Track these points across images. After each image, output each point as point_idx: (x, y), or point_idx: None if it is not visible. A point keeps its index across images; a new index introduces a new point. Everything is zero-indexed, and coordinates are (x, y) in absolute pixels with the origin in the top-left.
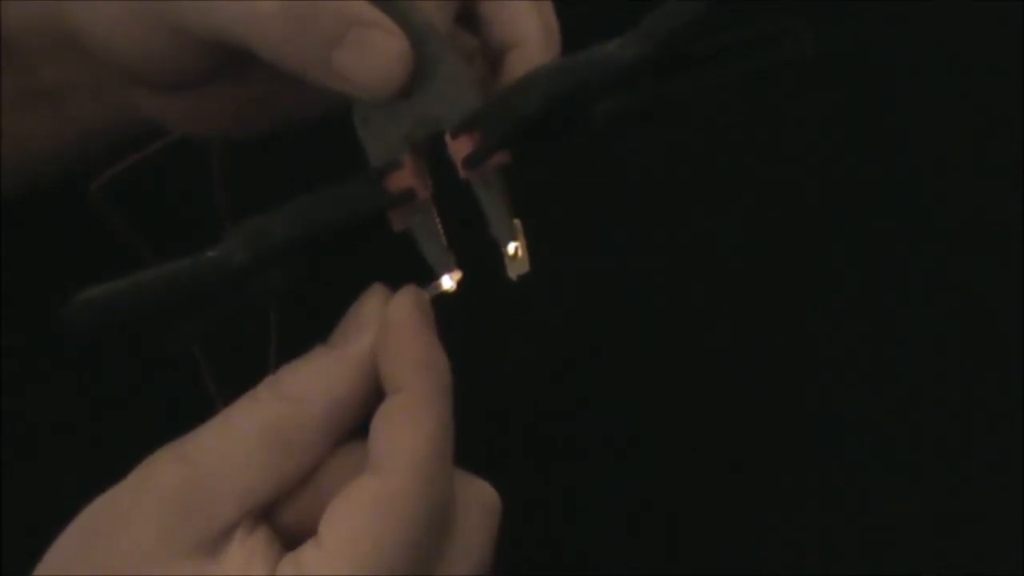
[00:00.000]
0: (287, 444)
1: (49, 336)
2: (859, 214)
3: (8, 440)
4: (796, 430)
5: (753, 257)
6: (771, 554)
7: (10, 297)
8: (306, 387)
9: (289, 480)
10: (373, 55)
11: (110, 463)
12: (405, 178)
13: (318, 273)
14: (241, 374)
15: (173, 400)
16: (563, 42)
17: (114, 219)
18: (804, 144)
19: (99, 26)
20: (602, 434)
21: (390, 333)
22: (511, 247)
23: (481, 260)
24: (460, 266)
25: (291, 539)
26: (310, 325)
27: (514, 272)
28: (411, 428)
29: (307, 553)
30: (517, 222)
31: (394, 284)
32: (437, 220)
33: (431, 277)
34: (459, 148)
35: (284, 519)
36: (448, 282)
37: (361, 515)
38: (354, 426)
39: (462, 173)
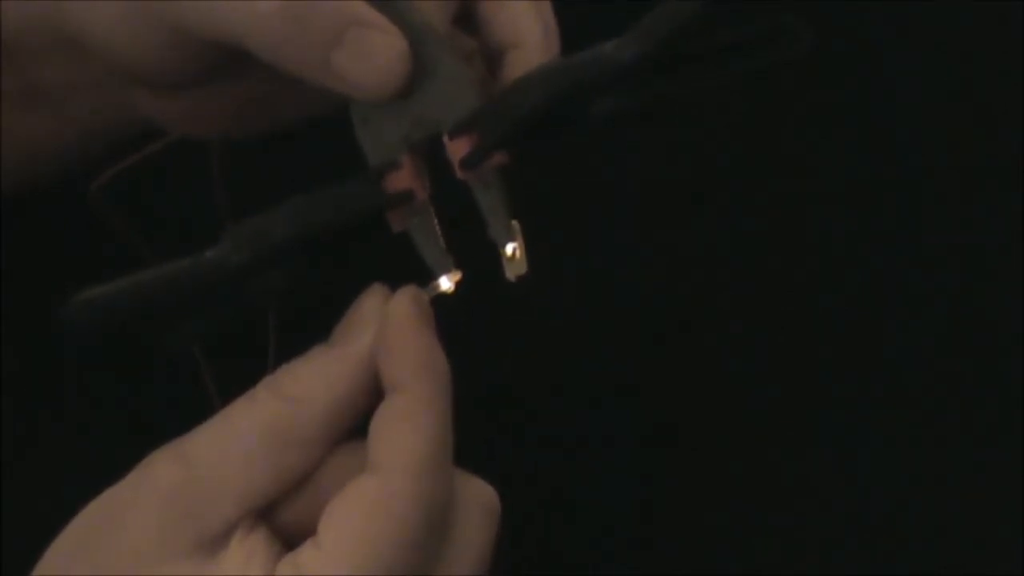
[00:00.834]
0: (286, 443)
1: (49, 336)
2: (859, 214)
3: (8, 440)
4: (796, 430)
5: (753, 257)
6: (771, 554)
7: (10, 297)
8: (305, 386)
9: (288, 480)
10: (371, 56)
11: (110, 463)
12: (404, 179)
13: (317, 273)
14: (241, 374)
15: (173, 400)
16: (563, 42)
17: (114, 219)
18: (804, 144)
19: (99, 26)
20: (602, 434)
21: (389, 333)
22: (509, 248)
23: (480, 261)
24: (459, 267)
25: (290, 539)
26: (310, 325)
27: (512, 273)
28: (411, 429)
29: (305, 553)
30: (515, 223)
31: (393, 284)
32: (435, 221)
33: (430, 278)
34: (457, 149)
35: (283, 518)
36: (446, 283)
37: (360, 515)
38: (354, 426)
39: (460, 174)
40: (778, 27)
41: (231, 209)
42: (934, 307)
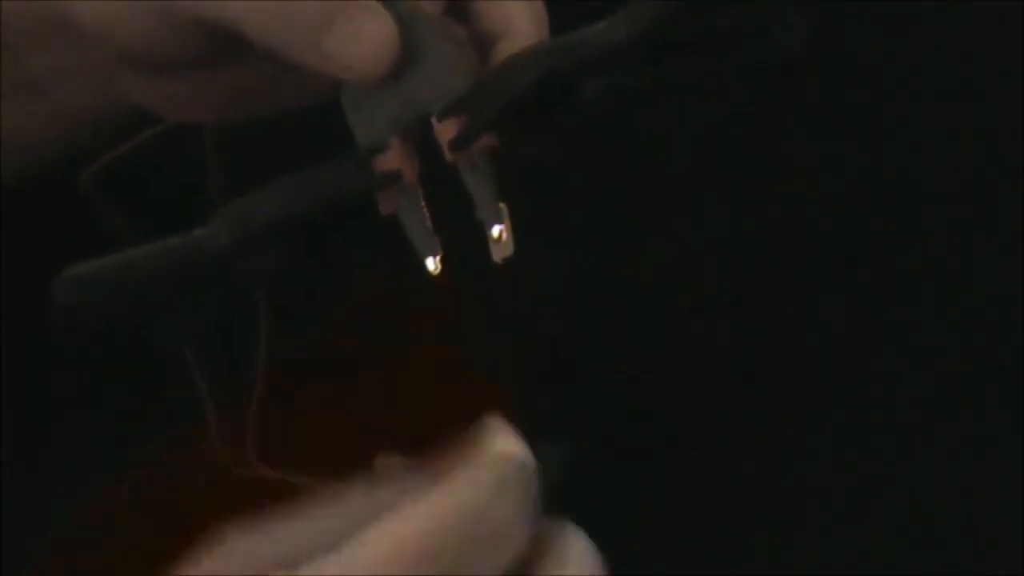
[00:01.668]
0: None
1: (43, 327)
2: (858, 211)
3: (8, 440)
4: (796, 430)
5: (751, 251)
6: (771, 554)
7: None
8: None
9: None
10: (361, 38)
11: (110, 463)
12: (392, 160)
13: (305, 253)
14: (232, 364)
15: (173, 400)
16: (554, 32)
17: (106, 207)
18: (803, 136)
19: (91, 10)
20: (602, 434)
21: None
22: (496, 230)
23: (468, 244)
24: (445, 250)
25: None
26: (299, 313)
27: (499, 255)
28: None
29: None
30: (503, 205)
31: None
32: (423, 203)
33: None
34: (446, 131)
35: None
36: (432, 265)
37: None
38: None
39: (449, 155)
40: (773, 15)
41: (223, 196)
42: (935, 307)
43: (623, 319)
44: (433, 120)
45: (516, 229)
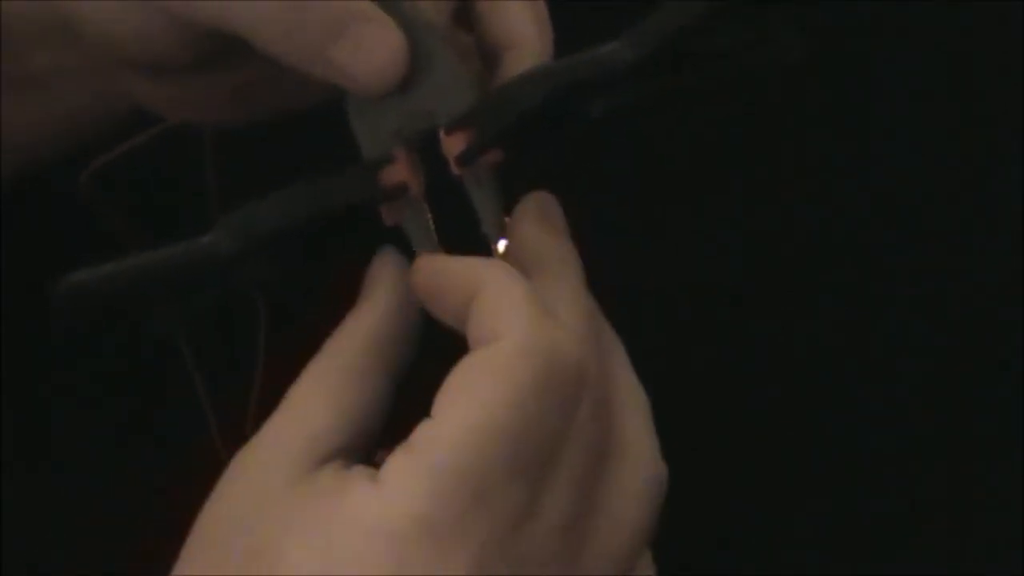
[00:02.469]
0: (336, 378)
1: (43, 327)
2: (858, 212)
3: (8, 440)
4: (796, 430)
5: (752, 256)
6: (772, 554)
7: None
8: (338, 335)
9: (355, 415)
10: (369, 50)
11: (110, 463)
12: (398, 172)
13: (306, 262)
14: (230, 368)
15: (173, 401)
16: (557, 43)
17: (106, 208)
18: (803, 140)
19: (94, 11)
20: None
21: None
22: (501, 245)
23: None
24: None
25: None
26: (298, 316)
27: None
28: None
29: (420, 429)
30: (508, 219)
31: None
32: (428, 216)
33: None
34: (452, 144)
35: None
36: None
37: (475, 380)
38: (401, 362)
39: (454, 170)
40: (772, 33)
41: (222, 197)
42: (935, 309)
43: (624, 322)
44: (440, 133)
45: None
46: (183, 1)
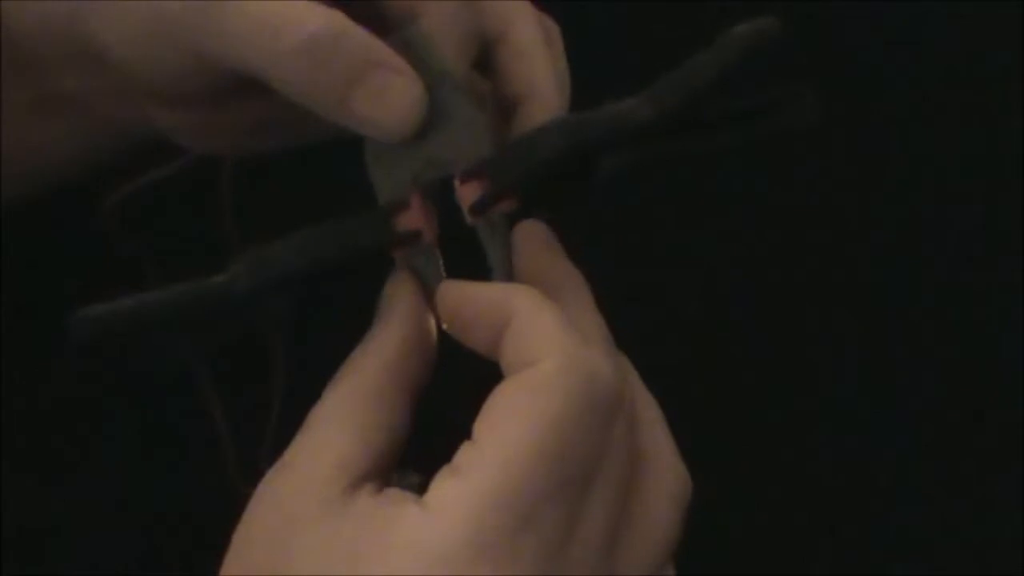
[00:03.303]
0: (359, 403)
1: (53, 340)
2: (859, 215)
3: (8, 439)
4: (796, 431)
5: (753, 261)
6: (772, 554)
7: (14, 303)
8: (359, 358)
9: (381, 436)
10: (388, 98)
11: (110, 463)
12: (412, 219)
13: (317, 299)
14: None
15: (174, 402)
16: (574, 95)
17: (125, 235)
18: (804, 147)
19: (118, 43)
20: None
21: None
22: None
23: None
24: None
25: None
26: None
27: None
28: (562, 327)
29: (463, 455)
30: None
31: None
32: (440, 262)
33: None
34: (467, 193)
35: None
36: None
37: (519, 403)
38: (422, 380)
39: (468, 219)
40: (789, 96)
41: (237, 227)
42: (936, 312)
43: (626, 330)
44: (455, 181)
45: None
46: (205, 42)
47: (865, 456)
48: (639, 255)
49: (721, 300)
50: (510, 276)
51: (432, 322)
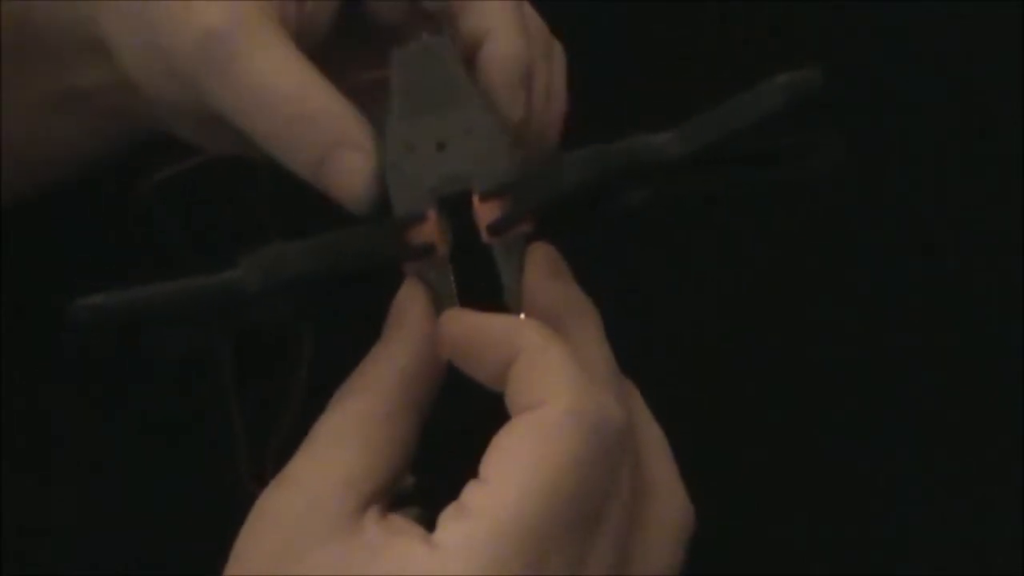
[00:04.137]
0: (367, 423)
1: (53, 335)
2: (859, 216)
3: (9, 438)
4: (796, 431)
5: (753, 263)
6: (772, 554)
7: (16, 296)
8: (370, 373)
9: (387, 455)
10: (347, 176)
11: (111, 463)
12: (427, 232)
13: (325, 303)
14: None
15: (173, 400)
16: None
17: (162, 216)
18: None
19: (132, 67)
20: None
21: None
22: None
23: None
24: None
25: None
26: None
27: None
28: (569, 362)
29: (470, 492)
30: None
31: None
32: (451, 277)
33: None
34: (486, 212)
35: None
36: None
37: (526, 442)
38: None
39: (486, 238)
40: (815, 140)
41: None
42: (936, 314)
43: (628, 338)
44: (474, 199)
45: None
46: (204, 88)
47: (865, 456)
48: (639, 256)
49: (721, 302)
50: (522, 298)
51: None
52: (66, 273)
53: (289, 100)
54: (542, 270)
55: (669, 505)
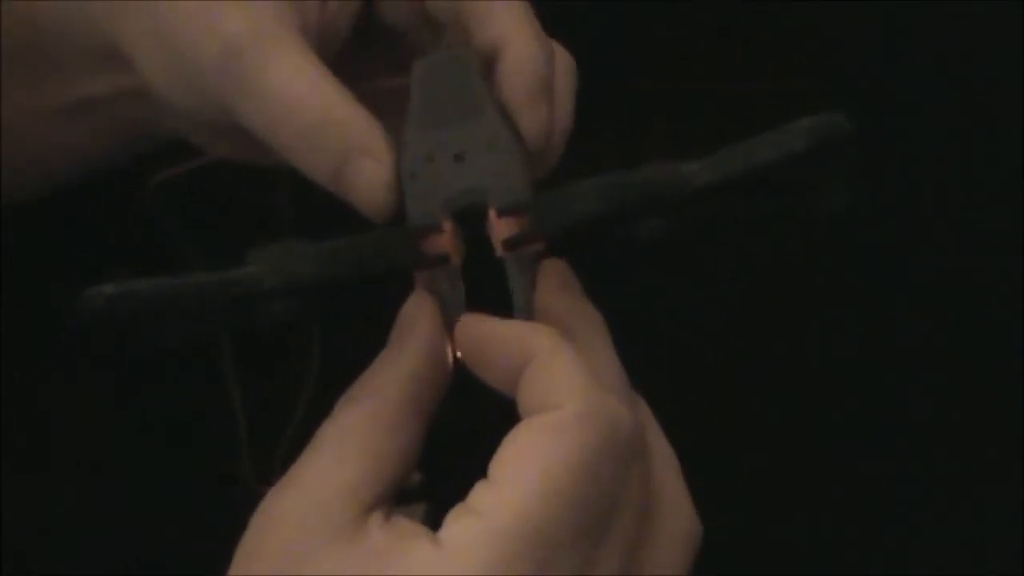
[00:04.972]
0: (371, 431)
1: (56, 334)
2: (860, 216)
3: (9, 438)
4: (796, 432)
5: (753, 263)
6: (773, 554)
7: (20, 304)
8: (374, 382)
9: (390, 464)
10: (365, 183)
11: (111, 463)
12: (442, 243)
13: (331, 307)
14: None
15: (172, 400)
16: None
17: (168, 215)
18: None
19: (147, 71)
20: None
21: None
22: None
23: None
24: None
25: None
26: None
27: None
28: (579, 367)
29: (478, 493)
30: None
31: None
32: (462, 288)
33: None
34: (502, 228)
35: None
36: None
37: (535, 444)
38: (433, 405)
39: (499, 252)
40: (829, 176)
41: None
42: (937, 315)
43: (630, 343)
44: (491, 213)
45: None
46: (228, 102)
47: (865, 456)
48: (644, 269)
49: (721, 302)
50: (532, 313)
51: (449, 349)
52: (66, 273)
53: (309, 109)
54: (554, 283)
55: (678, 520)
